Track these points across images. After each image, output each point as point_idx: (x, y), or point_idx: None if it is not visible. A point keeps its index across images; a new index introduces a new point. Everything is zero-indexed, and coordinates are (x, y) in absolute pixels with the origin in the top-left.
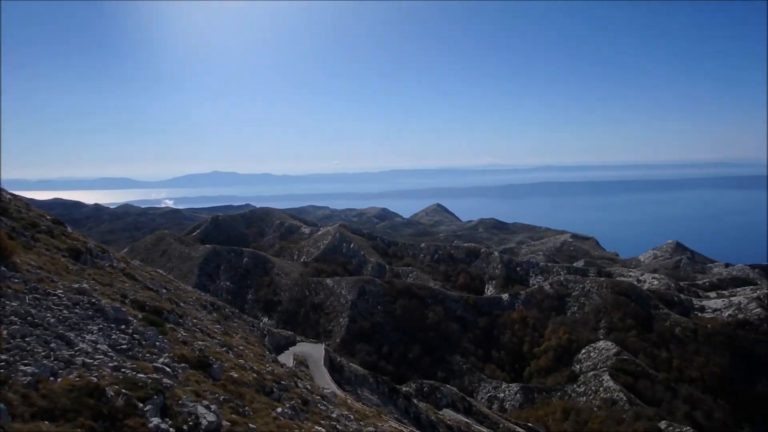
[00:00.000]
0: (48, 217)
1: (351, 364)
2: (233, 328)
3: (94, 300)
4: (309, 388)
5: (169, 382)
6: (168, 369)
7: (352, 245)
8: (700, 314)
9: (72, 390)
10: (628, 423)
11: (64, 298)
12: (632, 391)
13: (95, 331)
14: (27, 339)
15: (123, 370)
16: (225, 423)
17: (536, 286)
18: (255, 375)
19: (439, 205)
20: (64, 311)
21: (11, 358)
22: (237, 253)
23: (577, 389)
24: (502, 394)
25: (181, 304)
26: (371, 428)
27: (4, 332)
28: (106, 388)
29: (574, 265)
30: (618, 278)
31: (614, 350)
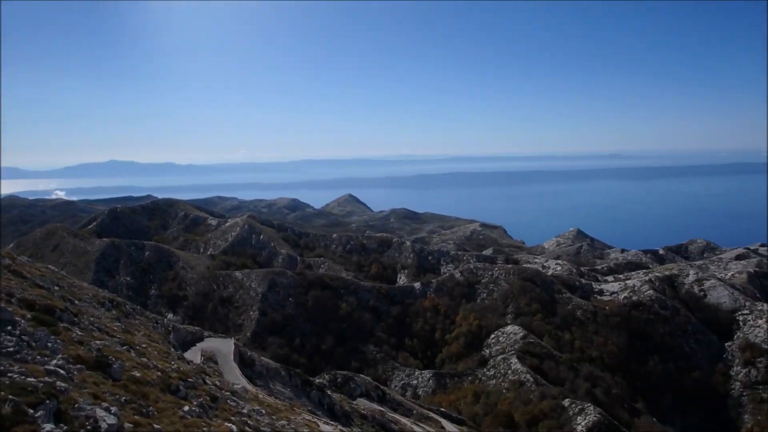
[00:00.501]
0: None
1: (262, 358)
2: (135, 325)
3: None
4: (218, 384)
5: (63, 385)
6: (62, 371)
7: (261, 237)
8: (599, 297)
9: None
10: (534, 403)
11: None
12: (538, 372)
13: None
14: None
15: (10, 374)
16: (127, 425)
17: (447, 275)
18: (159, 373)
19: (351, 195)
20: None
21: None
22: (138, 246)
23: (487, 373)
24: (415, 381)
25: (76, 301)
26: (284, 422)
27: None
28: None
29: (484, 253)
30: (524, 265)
31: (521, 334)
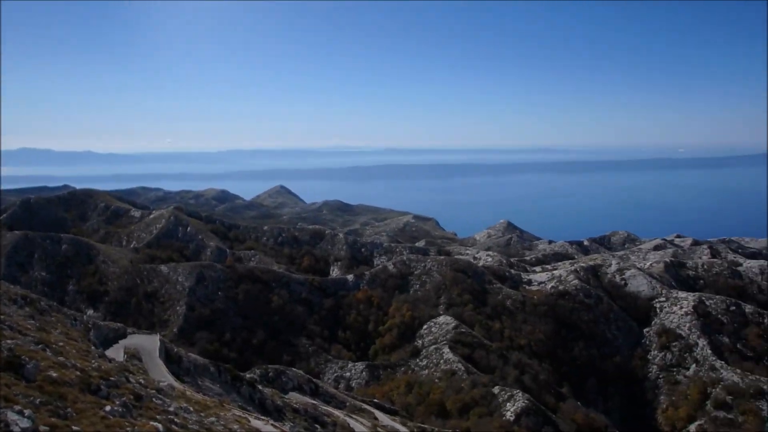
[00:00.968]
0: None
1: (190, 353)
2: (51, 323)
3: None
4: (142, 382)
5: None
6: None
7: (188, 229)
8: (527, 287)
9: None
10: (465, 391)
11: None
12: (469, 361)
13: None
14: None
15: None
16: (42, 428)
17: (380, 266)
18: (78, 373)
19: (282, 186)
20: None
21: None
22: (54, 239)
23: (420, 363)
24: (348, 374)
25: None
26: (213, 419)
27: None
28: None
29: (416, 245)
30: (456, 256)
31: (453, 324)
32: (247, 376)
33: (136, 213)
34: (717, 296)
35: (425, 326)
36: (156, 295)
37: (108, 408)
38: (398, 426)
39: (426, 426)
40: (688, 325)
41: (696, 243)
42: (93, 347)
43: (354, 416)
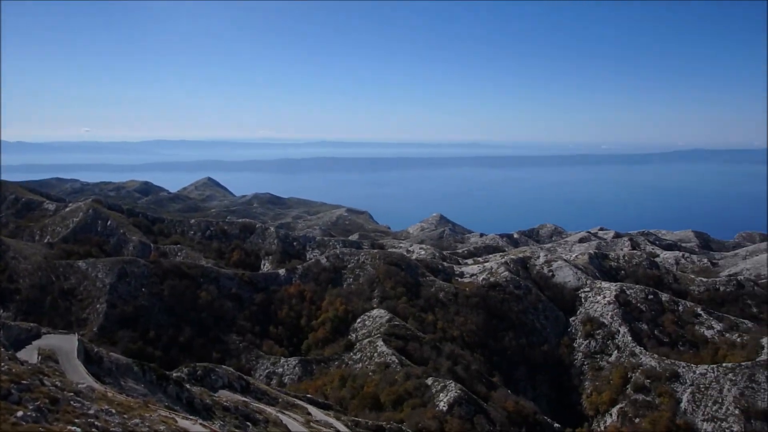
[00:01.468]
0: None
1: (111, 353)
2: None
3: None
4: (59, 385)
5: None
6: None
7: (109, 223)
8: (460, 279)
9: None
10: (399, 383)
11: None
12: (403, 353)
13: None
14: None
15: None
16: None
17: (313, 260)
18: None
19: (210, 179)
20: None
21: None
22: None
23: (354, 357)
24: (281, 369)
25: None
26: (137, 420)
27: None
28: None
29: (350, 238)
30: (390, 250)
31: (387, 317)
32: (174, 375)
33: (50, 206)
34: (636, 286)
35: (359, 320)
36: (73, 292)
37: (20, 413)
38: (332, 420)
39: (360, 419)
40: (610, 313)
41: (618, 235)
42: (2, 349)
43: (287, 412)
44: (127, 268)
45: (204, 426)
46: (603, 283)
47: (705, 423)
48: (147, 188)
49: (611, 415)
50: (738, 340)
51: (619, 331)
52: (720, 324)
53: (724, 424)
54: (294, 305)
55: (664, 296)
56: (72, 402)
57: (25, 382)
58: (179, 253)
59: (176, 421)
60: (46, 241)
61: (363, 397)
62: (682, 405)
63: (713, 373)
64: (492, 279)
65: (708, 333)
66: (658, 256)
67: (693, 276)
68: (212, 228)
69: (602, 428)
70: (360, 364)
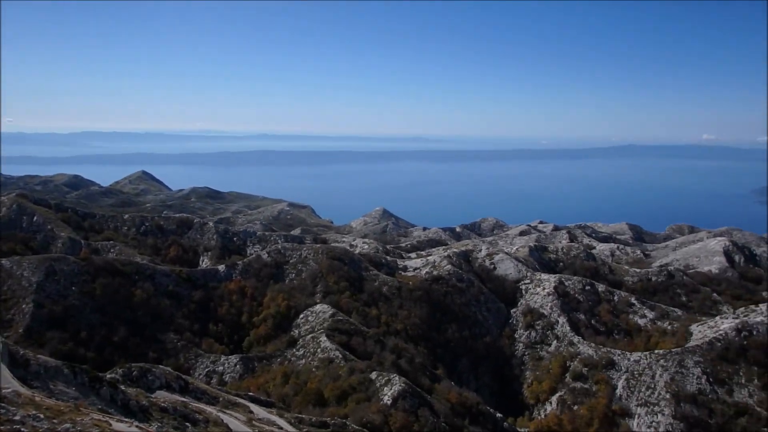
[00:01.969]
0: None
1: (39, 356)
2: None
3: None
4: None
5: None
6: None
7: (35, 218)
8: (403, 273)
9: None
10: (343, 378)
11: None
12: (347, 348)
13: None
14: None
15: None
16: None
17: (254, 256)
18: None
19: (144, 172)
20: None
21: None
22: None
23: (297, 353)
24: (221, 368)
25: None
26: (68, 425)
27: None
28: None
29: (292, 233)
30: (333, 244)
31: (330, 312)
32: (108, 376)
33: None
34: (574, 277)
35: (302, 315)
36: None
37: None
38: (275, 418)
39: (304, 416)
40: (549, 304)
41: (556, 228)
42: None
43: (228, 411)
44: (56, 266)
45: (140, 428)
46: (543, 275)
47: (639, 408)
48: (77, 182)
49: (551, 403)
50: (669, 327)
51: (558, 322)
52: (652, 313)
53: (656, 408)
54: (234, 302)
55: (601, 287)
56: None
57: None
58: (112, 250)
59: (110, 424)
60: None
61: (306, 393)
62: (618, 391)
63: (646, 360)
64: (435, 272)
65: (641, 321)
66: (594, 248)
67: (627, 267)
68: (147, 223)
69: (542, 416)
70: (303, 360)
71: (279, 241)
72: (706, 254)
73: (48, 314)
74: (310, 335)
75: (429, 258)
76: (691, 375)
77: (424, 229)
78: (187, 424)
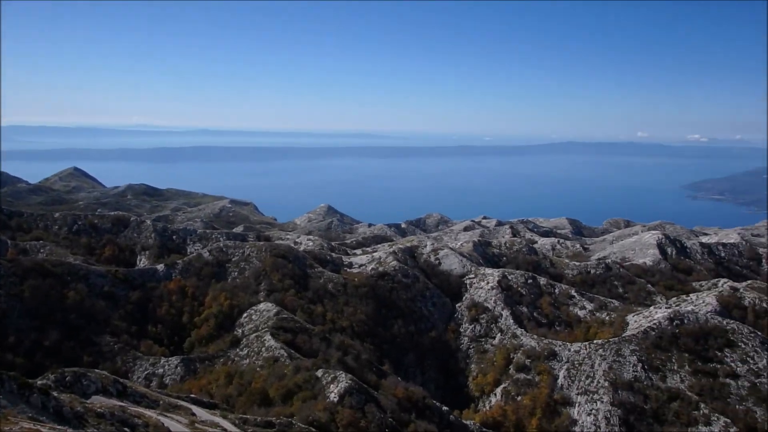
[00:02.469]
0: None
1: None
2: None
3: None
4: None
5: None
6: None
7: None
8: (348, 270)
9: None
10: (288, 377)
11: None
12: (292, 346)
13: None
14: None
15: None
16: None
17: (195, 254)
18: None
19: (76, 168)
20: None
21: None
22: None
23: (240, 353)
24: (161, 370)
25: None
26: None
27: None
28: None
29: (234, 230)
30: (277, 241)
31: (275, 310)
32: (39, 382)
33: None
34: (517, 271)
35: (245, 314)
36: None
37: None
38: (218, 419)
39: (248, 416)
40: (493, 298)
41: (500, 223)
42: None
43: (169, 414)
44: None
45: None
46: (486, 269)
47: (579, 396)
48: (2, 179)
49: (495, 394)
50: (607, 318)
51: (501, 315)
52: (591, 304)
53: (595, 396)
54: (174, 302)
55: (542, 280)
56: None
57: None
58: (42, 250)
59: None
60: None
61: (251, 393)
62: (559, 381)
63: (586, 350)
64: (380, 268)
65: (581, 313)
66: (536, 242)
67: (567, 260)
68: (80, 222)
69: (487, 408)
70: (247, 360)
71: (221, 239)
72: (641, 247)
73: None
74: (254, 334)
75: (374, 254)
76: (627, 363)
77: (370, 225)
78: (126, 429)
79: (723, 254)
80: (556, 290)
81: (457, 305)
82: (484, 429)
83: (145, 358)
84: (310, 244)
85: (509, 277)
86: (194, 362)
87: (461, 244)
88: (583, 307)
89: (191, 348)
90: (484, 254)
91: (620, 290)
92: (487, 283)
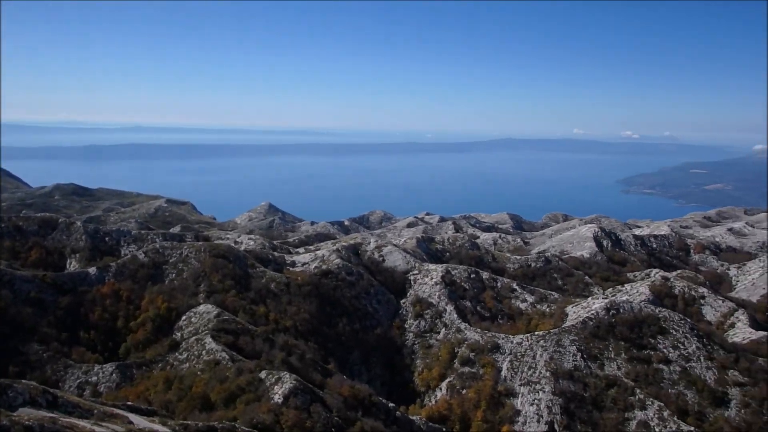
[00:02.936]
0: None
1: None
2: None
3: None
4: None
5: None
6: None
7: None
8: (291, 269)
9: None
10: (231, 380)
11: None
12: (234, 348)
13: None
14: None
15: None
16: None
17: (129, 256)
18: None
19: None
20: None
21: None
22: None
23: (180, 357)
24: (95, 378)
25: None
26: None
27: None
28: None
29: (171, 231)
30: (216, 241)
31: (215, 312)
32: None
33: None
34: (460, 266)
35: (184, 317)
36: None
37: None
38: (157, 426)
39: (189, 422)
40: (437, 293)
41: (442, 219)
42: None
43: (104, 424)
44: None
45: None
46: (430, 265)
47: (522, 387)
48: None
49: (441, 389)
50: (547, 310)
51: (446, 310)
52: (532, 297)
53: (537, 386)
54: (108, 306)
55: (485, 274)
56: None
57: None
58: None
59: None
60: None
61: (191, 398)
62: (503, 373)
63: (527, 341)
64: (324, 267)
65: (522, 306)
66: (478, 237)
67: (509, 255)
68: (3, 224)
69: (433, 402)
70: (187, 364)
71: (157, 240)
72: (579, 240)
73: None
74: (194, 337)
75: (318, 252)
76: (567, 353)
77: (312, 223)
78: None
79: (655, 246)
80: (499, 284)
81: (401, 301)
82: (431, 423)
83: (78, 365)
84: (251, 243)
85: (452, 273)
86: (130, 368)
87: (405, 241)
88: (524, 300)
89: (127, 354)
90: (428, 250)
91: (559, 282)
92: (431, 278)
